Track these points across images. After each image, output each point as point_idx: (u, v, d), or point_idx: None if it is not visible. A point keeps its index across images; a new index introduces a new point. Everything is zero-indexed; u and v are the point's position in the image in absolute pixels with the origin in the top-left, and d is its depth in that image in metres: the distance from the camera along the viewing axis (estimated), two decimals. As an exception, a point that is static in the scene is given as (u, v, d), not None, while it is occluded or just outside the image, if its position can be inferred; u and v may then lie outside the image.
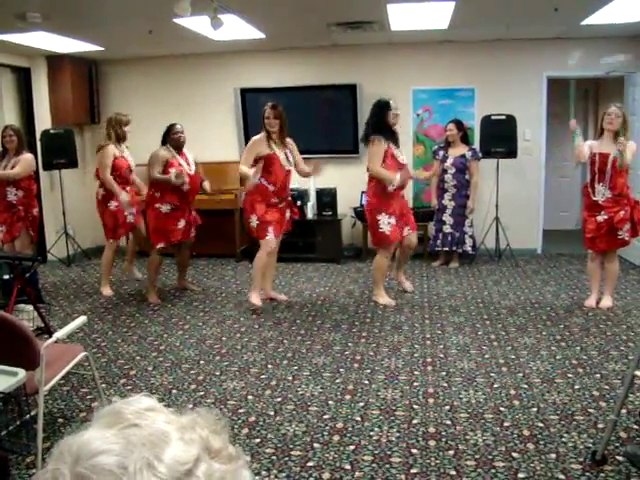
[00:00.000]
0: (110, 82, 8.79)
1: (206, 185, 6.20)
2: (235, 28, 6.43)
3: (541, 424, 3.42)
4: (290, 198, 6.04)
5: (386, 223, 5.77)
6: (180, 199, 5.98)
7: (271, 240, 5.71)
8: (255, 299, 5.75)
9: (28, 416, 3.44)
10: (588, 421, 3.43)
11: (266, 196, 5.69)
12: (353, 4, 5.86)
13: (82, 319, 3.46)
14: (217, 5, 5.28)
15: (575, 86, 9.05)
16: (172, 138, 5.97)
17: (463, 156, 7.33)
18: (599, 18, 6.27)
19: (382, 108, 5.69)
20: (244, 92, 8.24)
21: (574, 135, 5.49)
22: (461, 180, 7.36)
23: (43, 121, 8.14)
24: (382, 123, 5.68)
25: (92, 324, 5.46)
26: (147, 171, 6.02)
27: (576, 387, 3.93)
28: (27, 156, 6.40)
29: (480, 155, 7.42)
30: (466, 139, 7.47)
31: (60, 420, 3.65)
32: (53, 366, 3.15)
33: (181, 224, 6.05)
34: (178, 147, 6.01)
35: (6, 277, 4.88)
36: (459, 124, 7.41)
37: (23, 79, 8.18)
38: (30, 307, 4.92)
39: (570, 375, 4.13)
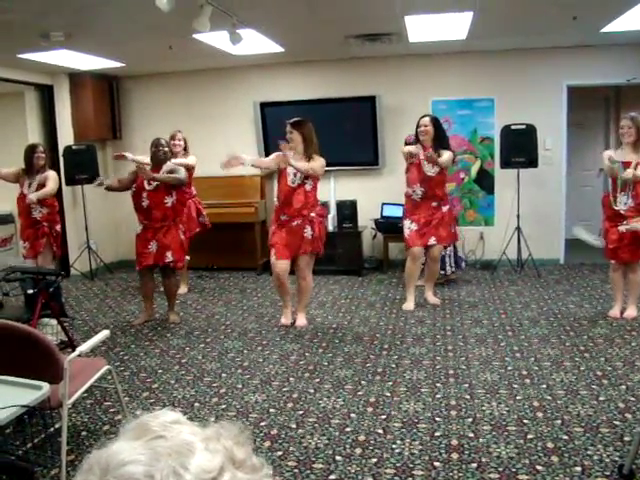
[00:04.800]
0: (131, 98, 8.90)
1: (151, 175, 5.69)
2: (254, 42, 6.47)
3: (565, 436, 3.38)
4: (314, 215, 5.60)
5: (407, 227, 6.12)
6: (144, 218, 5.80)
7: (274, 263, 5.62)
8: (282, 319, 5.84)
9: (52, 429, 3.48)
10: (614, 434, 3.38)
11: (276, 213, 5.69)
12: (371, 16, 5.88)
13: (105, 333, 3.50)
14: (236, 20, 5.34)
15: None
16: (151, 152, 5.84)
17: None
18: (619, 25, 6.23)
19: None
20: (263, 106, 8.28)
21: (620, 170, 5.20)
22: None
23: (66, 137, 8.26)
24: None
25: (115, 338, 5.51)
26: None
27: (601, 399, 3.88)
28: (53, 173, 6.52)
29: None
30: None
31: (84, 433, 3.67)
32: (77, 380, 3.18)
33: (152, 247, 5.75)
34: (156, 163, 5.82)
35: (30, 291, 4.93)
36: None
37: (46, 96, 8.31)
38: (54, 321, 4.97)
39: (594, 387, 4.08)
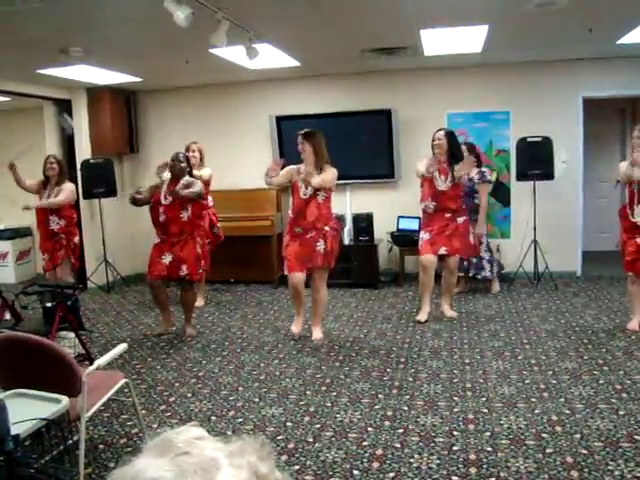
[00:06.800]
0: (148, 112, 8.98)
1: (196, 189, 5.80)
2: (270, 56, 6.51)
3: (585, 451, 3.34)
4: (328, 228, 5.59)
5: (420, 238, 6.22)
6: (162, 232, 5.85)
7: (288, 276, 5.65)
8: (293, 327, 5.82)
9: (70, 442, 3.49)
10: (635, 448, 3.34)
11: (290, 226, 5.70)
12: (386, 30, 5.90)
13: (123, 346, 3.51)
14: (252, 35, 5.38)
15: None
16: (169, 165, 5.92)
17: (471, 180, 6.85)
18: (635, 37, 6.21)
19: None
20: (279, 120, 8.31)
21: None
22: (470, 204, 6.78)
23: (84, 151, 8.33)
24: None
25: (132, 351, 5.52)
26: None
27: (620, 413, 3.83)
28: (69, 185, 6.61)
29: (488, 178, 7.08)
30: (478, 162, 7.10)
31: (101, 446, 3.68)
32: (94, 393, 3.19)
33: (166, 259, 5.78)
34: (174, 176, 5.86)
35: (49, 305, 4.97)
36: (470, 147, 7.02)
37: (64, 110, 8.40)
38: (72, 334, 5.01)
39: (614, 400, 4.04)
